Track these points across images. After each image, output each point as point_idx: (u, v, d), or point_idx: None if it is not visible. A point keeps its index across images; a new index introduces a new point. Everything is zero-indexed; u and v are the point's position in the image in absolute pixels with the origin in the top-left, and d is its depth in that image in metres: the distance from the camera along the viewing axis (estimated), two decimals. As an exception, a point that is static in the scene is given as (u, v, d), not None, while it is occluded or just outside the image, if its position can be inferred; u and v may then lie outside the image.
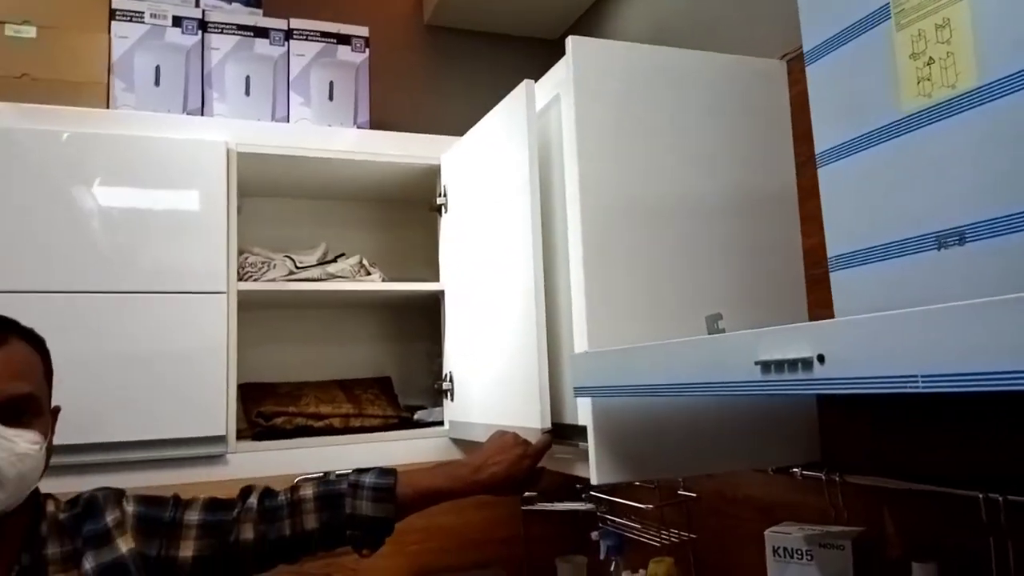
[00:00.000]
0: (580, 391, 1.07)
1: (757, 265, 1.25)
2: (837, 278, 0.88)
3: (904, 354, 0.55)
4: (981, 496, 0.96)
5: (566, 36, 1.22)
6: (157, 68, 1.65)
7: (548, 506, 2.00)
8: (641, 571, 1.59)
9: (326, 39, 1.76)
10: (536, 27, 2.21)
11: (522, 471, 1.20)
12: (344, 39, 1.78)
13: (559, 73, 1.26)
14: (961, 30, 0.73)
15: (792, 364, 0.65)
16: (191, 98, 1.68)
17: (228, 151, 1.54)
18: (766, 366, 0.68)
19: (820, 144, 0.90)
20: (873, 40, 0.83)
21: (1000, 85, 0.70)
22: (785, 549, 1.10)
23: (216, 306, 1.49)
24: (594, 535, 1.75)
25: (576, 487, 1.93)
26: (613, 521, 1.74)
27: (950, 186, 0.75)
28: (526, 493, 1.30)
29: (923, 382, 0.54)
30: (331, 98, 1.74)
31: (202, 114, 1.67)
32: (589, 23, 2.09)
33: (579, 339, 1.17)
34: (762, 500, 1.39)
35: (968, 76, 0.72)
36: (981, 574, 0.98)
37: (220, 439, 1.48)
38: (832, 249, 0.89)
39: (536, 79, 1.34)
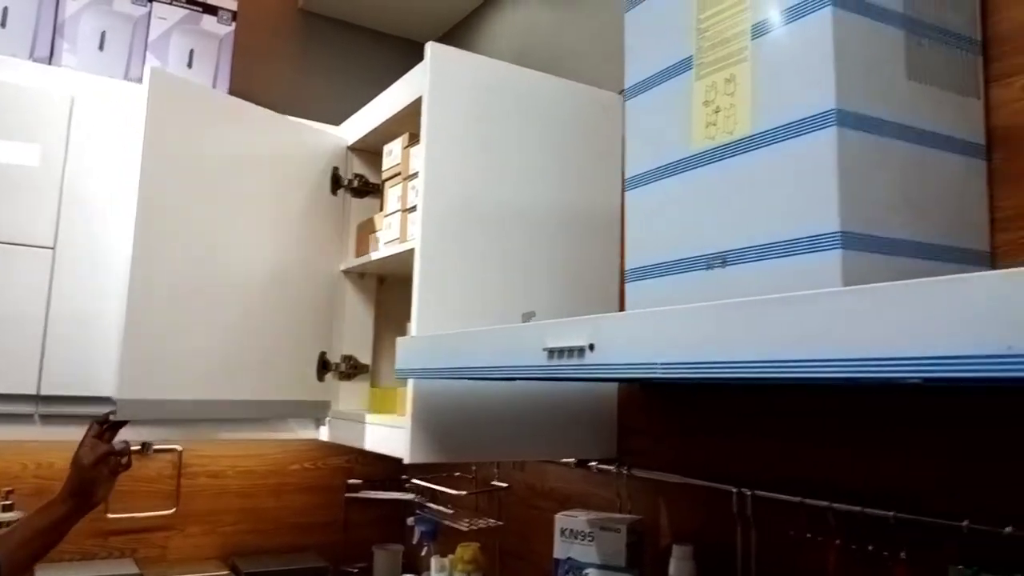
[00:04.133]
0: (401, 372, 1.14)
1: (579, 277, 1.37)
2: (630, 289, 1.01)
3: (650, 345, 0.66)
4: (734, 491, 1.11)
5: (439, 41, 1.30)
6: (5, 9, 1.58)
7: (370, 494, 2.05)
8: (450, 556, 1.68)
9: (191, 6, 1.74)
10: (411, 28, 2.28)
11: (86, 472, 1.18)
12: (210, 9, 1.77)
13: (417, 77, 1.34)
14: (742, 86, 0.87)
15: (570, 351, 0.75)
16: (39, 45, 1.61)
17: (72, 103, 1.49)
18: (551, 352, 0.78)
19: (629, 171, 1.03)
20: (678, 85, 0.96)
21: (766, 136, 0.83)
22: (571, 530, 1.22)
23: (38, 261, 1.44)
24: (409, 521, 1.81)
25: (400, 478, 2.00)
26: (430, 509, 1.82)
27: (718, 217, 0.88)
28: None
29: (661, 368, 0.65)
30: (190, 66, 1.72)
31: (50, 63, 1.61)
32: (461, 33, 2.18)
33: (411, 326, 1.24)
34: (563, 491, 1.51)
35: (744, 125, 0.86)
36: (730, 557, 1.13)
37: (29, 398, 1.43)
38: (628, 263, 1.01)
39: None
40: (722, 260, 0.87)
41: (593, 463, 1.39)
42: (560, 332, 0.76)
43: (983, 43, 0.91)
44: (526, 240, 1.33)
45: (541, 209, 1.35)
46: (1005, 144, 0.88)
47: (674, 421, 1.29)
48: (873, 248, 0.77)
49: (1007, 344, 0.42)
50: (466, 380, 1.09)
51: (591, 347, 0.73)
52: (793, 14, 0.81)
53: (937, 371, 0.44)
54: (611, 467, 1.35)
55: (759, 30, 0.85)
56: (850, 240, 0.75)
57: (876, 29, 0.81)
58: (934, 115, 0.84)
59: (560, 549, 1.23)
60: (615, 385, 1.41)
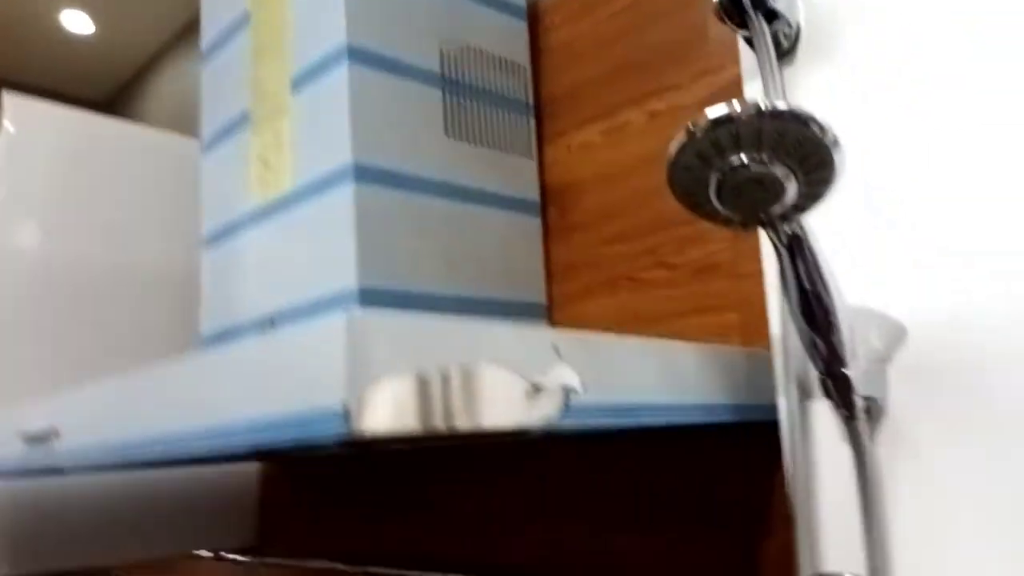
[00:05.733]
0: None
1: (165, 346, 1.24)
2: (203, 359, 0.91)
3: (102, 427, 0.57)
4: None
5: (113, 98, 1.15)
6: None
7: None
8: None
9: None
10: (77, 86, 2.08)
11: None
12: None
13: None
14: (287, 141, 0.83)
15: (40, 438, 0.64)
16: None
17: None
18: (29, 439, 0.66)
19: (204, 228, 0.95)
20: (240, 140, 0.90)
21: (302, 193, 0.79)
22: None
23: None
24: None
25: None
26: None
27: (269, 278, 0.82)
28: None
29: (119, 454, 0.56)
30: None
31: None
32: (130, 92, 2.02)
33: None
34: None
35: (285, 182, 0.82)
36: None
37: None
38: (203, 328, 0.92)
39: None
40: (271, 322, 0.81)
41: (231, 555, 1.26)
42: (35, 415, 0.65)
43: (536, 106, 0.94)
44: (100, 305, 1.18)
45: (123, 269, 1.21)
46: (557, 201, 0.92)
47: (317, 498, 1.20)
48: (399, 304, 0.74)
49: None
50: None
51: (56, 433, 0.62)
52: (319, 70, 0.79)
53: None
54: (246, 557, 1.22)
55: (296, 85, 0.82)
56: (368, 297, 0.72)
57: (404, 87, 0.80)
58: (479, 173, 0.85)
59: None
60: (255, 463, 1.29)
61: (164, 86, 1.90)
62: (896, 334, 0.54)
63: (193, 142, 1.33)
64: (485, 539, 0.93)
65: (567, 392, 0.46)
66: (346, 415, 0.35)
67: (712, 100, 0.78)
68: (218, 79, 0.96)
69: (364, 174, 0.74)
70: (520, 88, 0.93)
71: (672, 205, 0.81)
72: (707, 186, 0.46)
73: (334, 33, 0.77)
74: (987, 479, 0.48)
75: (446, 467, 0.99)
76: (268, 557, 1.20)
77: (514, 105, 0.92)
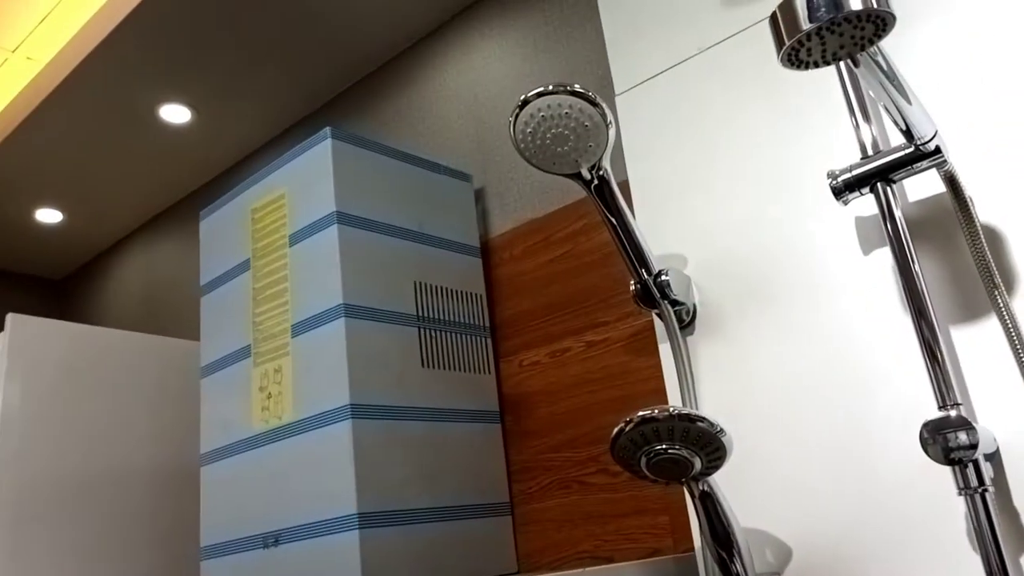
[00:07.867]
0: None
1: (175, 540, 1.33)
2: (205, 566, 1.02)
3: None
4: None
5: (72, 278, 1.27)
6: None
7: None
8: None
9: None
10: (36, 266, 2.18)
11: None
12: None
13: (-4, 346, 1.29)
14: (288, 377, 0.98)
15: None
16: None
17: None
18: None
19: (203, 446, 1.08)
20: (241, 370, 1.05)
21: (305, 423, 0.94)
22: None
23: None
24: None
25: None
26: None
27: (271, 497, 0.96)
28: None
29: None
30: None
31: None
32: (95, 270, 2.14)
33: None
34: None
35: (289, 412, 0.97)
36: None
37: None
38: (203, 539, 1.04)
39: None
40: (275, 539, 0.94)
41: None
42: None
43: (491, 329, 1.13)
44: (120, 505, 1.28)
45: (133, 471, 1.32)
46: (513, 409, 1.09)
47: None
48: (389, 523, 0.89)
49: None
50: None
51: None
52: (317, 321, 0.96)
53: None
54: None
55: (297, 330, 0.98)
56: (367, 519, 0.86)
57: (388, 330, 0.98)
58: (448, 394, 1.02)
59: None
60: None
61: (122, 271, 2.03)
62: (784, 552, 0.72)
63: (170, 340, 1.47)
64: None
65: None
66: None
67: (635, 337, 0.98)
68: (219, 311, 1.11)
69: (359, 411, 0.90)
70: (478, 313, 1.12)
71: (608, 421, 1.00)
72: (639, 461, 0.64)
73: (332, 294, 0.94)
74: None
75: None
76: None
77: (474, 329, 1.10)
